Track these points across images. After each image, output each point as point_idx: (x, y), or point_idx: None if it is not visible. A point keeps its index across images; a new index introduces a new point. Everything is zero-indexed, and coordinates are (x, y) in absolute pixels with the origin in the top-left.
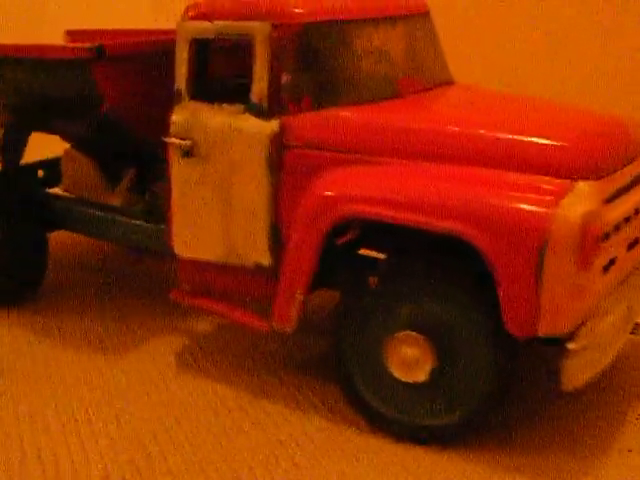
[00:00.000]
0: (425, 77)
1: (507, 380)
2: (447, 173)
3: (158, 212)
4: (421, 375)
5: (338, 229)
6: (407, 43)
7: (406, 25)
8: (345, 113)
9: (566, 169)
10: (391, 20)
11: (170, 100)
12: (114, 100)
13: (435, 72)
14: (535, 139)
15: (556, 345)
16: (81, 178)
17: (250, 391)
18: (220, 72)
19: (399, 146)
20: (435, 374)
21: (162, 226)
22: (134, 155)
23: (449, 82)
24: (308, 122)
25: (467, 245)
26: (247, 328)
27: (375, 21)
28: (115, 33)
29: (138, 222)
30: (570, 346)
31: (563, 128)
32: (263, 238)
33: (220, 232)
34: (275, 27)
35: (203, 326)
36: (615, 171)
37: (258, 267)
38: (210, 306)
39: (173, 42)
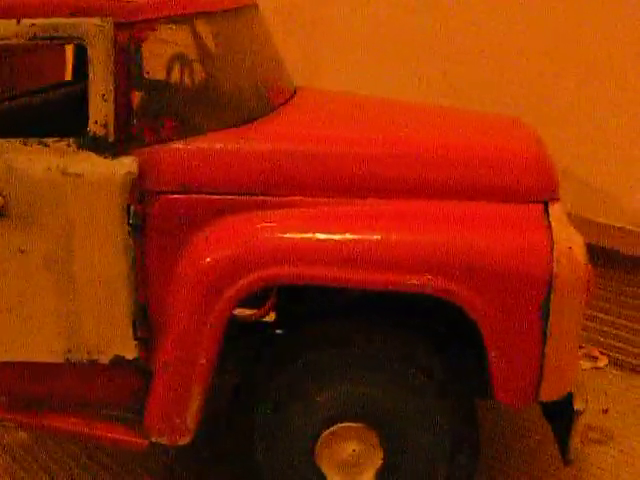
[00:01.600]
0: (284, 83)
1: (469, 467)
2: (393, 211)
3: None
4: (365, 476)
5: None
6: (260, 42)
7: (250, 18)
8: (222, 139)
9: (536, 190)
10: (244, 12)
11: None
12: None
13: (286, 76)
14: (491, 156)
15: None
16: None
17: None
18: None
19: (319, 179)
20: (383, 472)
21: None
22: None
23: (296, 87)
24: (179, 156)
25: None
26: (106, 445)
27: (236, 13)
28: None
29: None
30: (578, 406)
31: (508, 140)
32: (125, 323)
33: (57, 320)
34: (120, 25)
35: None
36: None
37: (119, 362)
38: (50, 422)
39: None
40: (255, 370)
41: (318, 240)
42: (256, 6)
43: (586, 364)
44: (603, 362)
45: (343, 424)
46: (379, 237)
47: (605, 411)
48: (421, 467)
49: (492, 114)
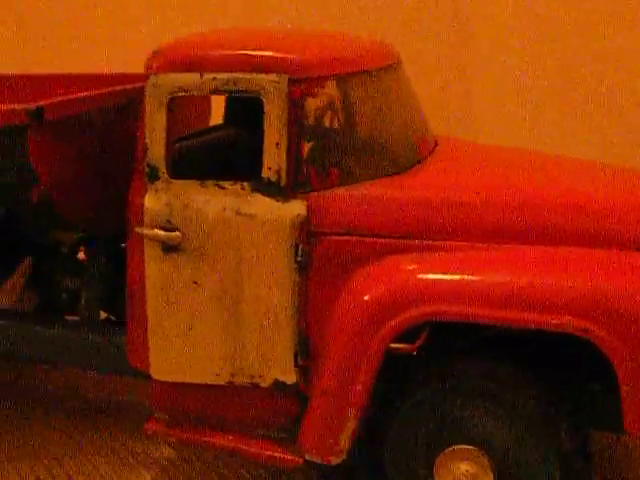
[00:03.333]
0: (427, 135)
1: None
2: (537, 256)
3: (87, 316)
4: None
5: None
6: (406, 95)
7: (399, 74)
8: (382, 187)
9: None
10: (395, 68)
11: (125, 174)
12: (52, 178)
13: (428, 127)
14: (629, 209)
15: None
16: None
17: None
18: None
19: (472, 225)
20: None
21: (105, 339)
22: (27, 241)
23: (434, 138)
24: (343, 201)
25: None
26: (262, 463)
27: (389, 70)
28: (36, 79)
29: (66, 333)
30: None
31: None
32: (287, 351)
33: (223, 346)
34: (293, 81)
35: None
36: None
37: (278, 386)
38: (208, 439)
39: (133, 94)
40: (391, 394)
41: (472, 281)
42: (400, 62)
43: None
44: None
45: (460, 446)
46: (526, 280)
47: None
48: None
49: (630, 169)
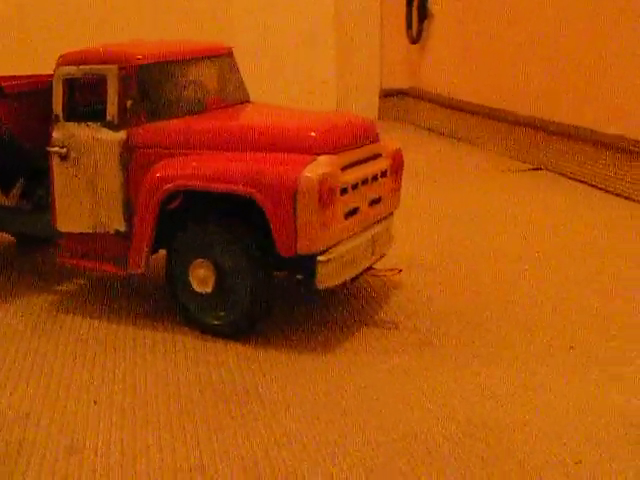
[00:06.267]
0: (227, 97)
1: (266, 295)
2: (235, 157)
3: (44, 208)
4: (208, 287)
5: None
6: (214, 74)
7: (214, 62)
8: (167, 123)
9: (311, 148)
10: (201, 59)
11: (49, 121)
12: (9, 123)
13: (236, 94)
14: (291, 129)
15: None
16: None
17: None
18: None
19: (201, 142)
20: (216, 288)
21: (47, 215)
22: (21, 170)
23: (247, 101)
24: (145, 131)
25: (243, 205)
26: (112, 277)
27: (189, 60)
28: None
29: (30, 215)
30: (320, 258)
31: (309, 121)
32: (120, 211)
33: (89, 210)
34: (121, 69)
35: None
36: (348, 150)
37: (117, 233)
38: (85, 264)
39: (51, 82)
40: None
41: (197, 167)
42: (224, 56)
43: (389, 273)
44: (393, 273)
45: (200, 259)
46: (224, 167)
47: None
48: (236, 283)
49: (336, 111)
